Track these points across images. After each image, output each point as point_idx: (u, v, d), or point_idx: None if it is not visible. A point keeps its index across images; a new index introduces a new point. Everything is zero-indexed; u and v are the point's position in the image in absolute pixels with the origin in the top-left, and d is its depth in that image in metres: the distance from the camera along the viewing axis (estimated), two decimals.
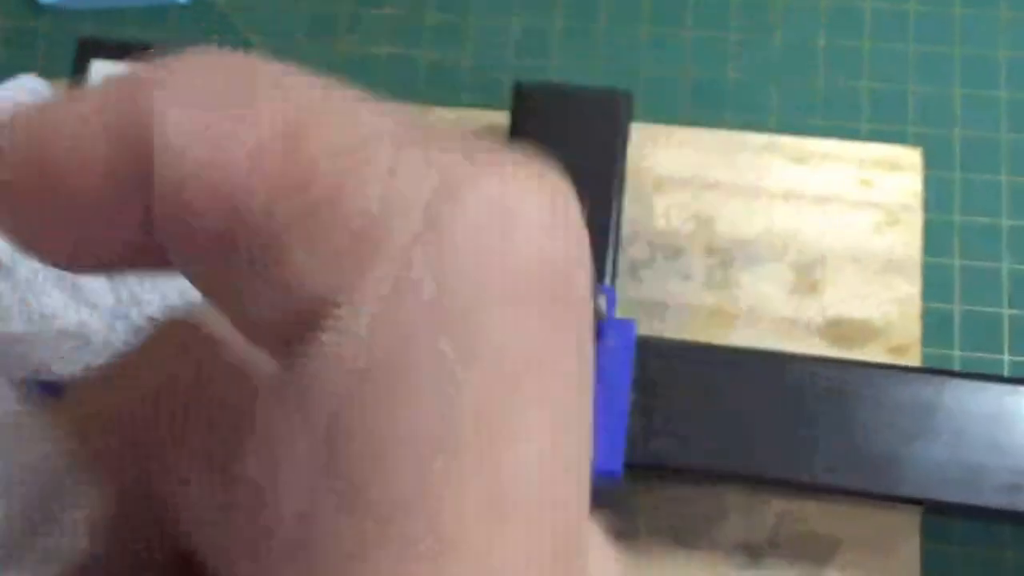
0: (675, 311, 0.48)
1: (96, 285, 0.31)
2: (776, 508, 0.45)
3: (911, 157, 0.50)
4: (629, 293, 0.48)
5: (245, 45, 0.54)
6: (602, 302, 0.32)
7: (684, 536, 0.45)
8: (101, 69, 0.48)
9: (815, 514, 0.45)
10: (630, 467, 0.40)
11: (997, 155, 0.50)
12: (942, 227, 0.49)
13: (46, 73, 0.53)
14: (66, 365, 0.32)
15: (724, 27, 0.53)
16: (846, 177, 0.49)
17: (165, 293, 0.31)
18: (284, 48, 0.54)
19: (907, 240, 0.49)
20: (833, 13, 0.53)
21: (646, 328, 0.47)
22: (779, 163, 0.50)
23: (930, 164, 0.50)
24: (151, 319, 0.31)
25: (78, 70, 0.49)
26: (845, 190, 0.49)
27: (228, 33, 0.54)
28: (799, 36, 0.53)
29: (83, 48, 0.49)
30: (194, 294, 0.32)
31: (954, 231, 0.49)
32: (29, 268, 0.31)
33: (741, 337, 0.47)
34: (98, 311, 0.31)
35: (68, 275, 0.31)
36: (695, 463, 0.41)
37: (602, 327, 0.38)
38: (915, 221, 0.49)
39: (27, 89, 0.34)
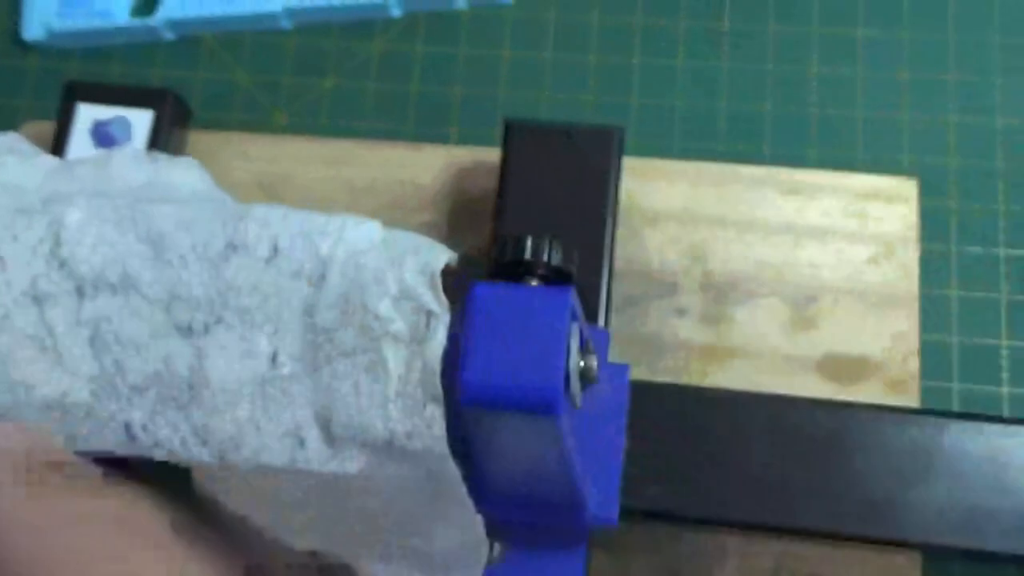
0: (671, 348, 0.47)
1: (78, 352, 0.31)
2: (776, 549, 0.45)
3: (906, 188, 0.49)
4: (623, 330, 0.48)
5: (232, 83, 0.54)
6: (593, 361, 0.32)
7: None
8: (88, 112, 0.48)
9: (815, 556, 0.44)
10: (625, 513, 0.39)
11: (993, 183, 0.50)
12: (938, 258, 0.49)
13: (33, 113, 0.53)
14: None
15: (716, 58, 0.53)
16: (841, 209, 0.49)
17: (148, 359, 0.31)
18: (271, 85, 0.53)
19: (903, 272, 0.48)
20: (825, 42, 0.52)
21: (640, 366, 0.47)
22: (773, 195, 0.49)
23: (926, 194, 0.49)
24: (133, 388, 0.31)
25: (64, 113, 0.48)
26: (840, 222, 0.49)
27: (215, 70, 0.54)
28: (791, 66, 0.52)
29: (69, 91, 0.49)
30: (177, 362, 0.31)
31: (951, 262, 0.49)
32: (9, 337, 0.30)
33: (736, 374, 0.47)
34: (80, 379, 0.31)
35: (48, 342, 0.31)
36: (691, 509, 0.40)
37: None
38: (911, 253, 0.48)
39: (5, 149, 0.34)
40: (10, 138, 0.35)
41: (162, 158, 0.35)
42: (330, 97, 0.53)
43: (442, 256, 0.30)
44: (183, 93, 0.51)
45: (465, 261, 0.49)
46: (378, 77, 0.53)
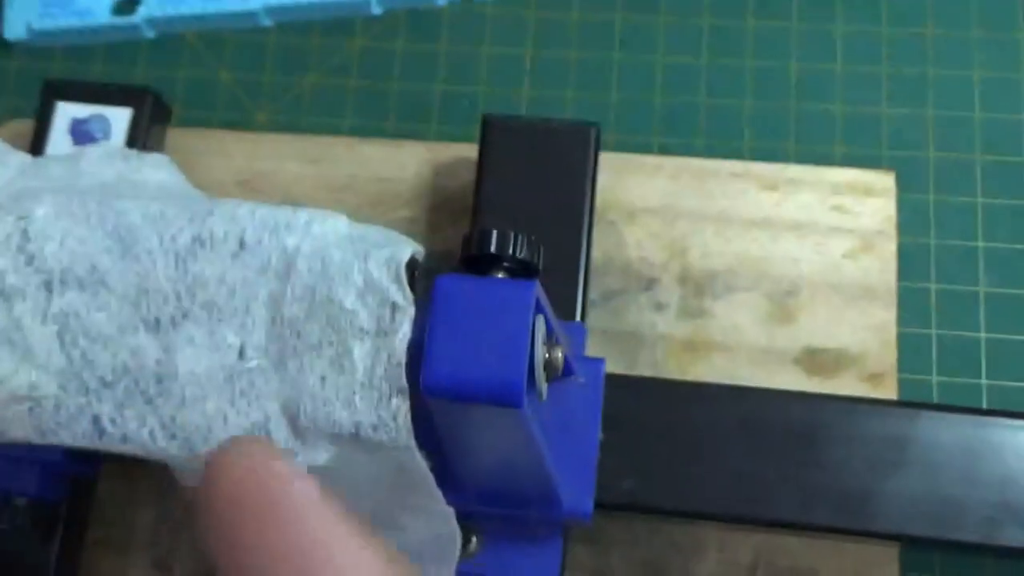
0: (649, 342, 0.48)
1: (46, 346, 0.31)
2: (754, 541, 0.45)
3: (884, 181, 0.49)
4: (602, 325, 0.48)
5: (213, 81, 0.54)
6: (559, 353, 0.32)
7: (661, 570, 0.45)
8: (66, 111, 0.48)
9: (794, 549, 0.44)
10: (600, 507, 0.40)
11: (972, 177, 0.50)
12: (917, 251, 0.49)
13: (13, 111, 0.53)
14: (18, 429, 0.32)
15: (695, 54, 0.53)
16: (819, 203, 0.49)
17: (116, 353, 0.31)
18: (252, 82, 0.54)
19: (882, 265, 0.48)
20: (804, 37, 0.53)
21: (619, 360, 0.47)
22: (752, 190, 0.49)
23: (904, 187, 0.49)
24: (102, 382, 0.31)
25: (43, 111, 0.49)
26: (818, 216, 0.49)
27: (197, 69, 0.54)
28: (770, 61, 0.52)
29: (48, 89, 0.49)
30: (145, 356, 0.31)
31: (929, 255, 0.49)
32: None
33: (716, 367, 0.47)
34: (48, 373, 0.31)
35: (16, 336, 0.31)
36: (667, 502, 0.40)
37: (570, 366, 0.38)
38: (890, 246, 0.48)
39: None
40: None
41: (133, 155, 0.36)
42: (311, 95, 0.53)
43: (407, 249, 0.31)
44: (164, 91, 0.51)
45: (445, 257, 0.49)
46: (359, 74, 0.53)
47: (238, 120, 0.53)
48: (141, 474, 0.46)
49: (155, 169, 0.36)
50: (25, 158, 0.35)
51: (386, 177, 0.50)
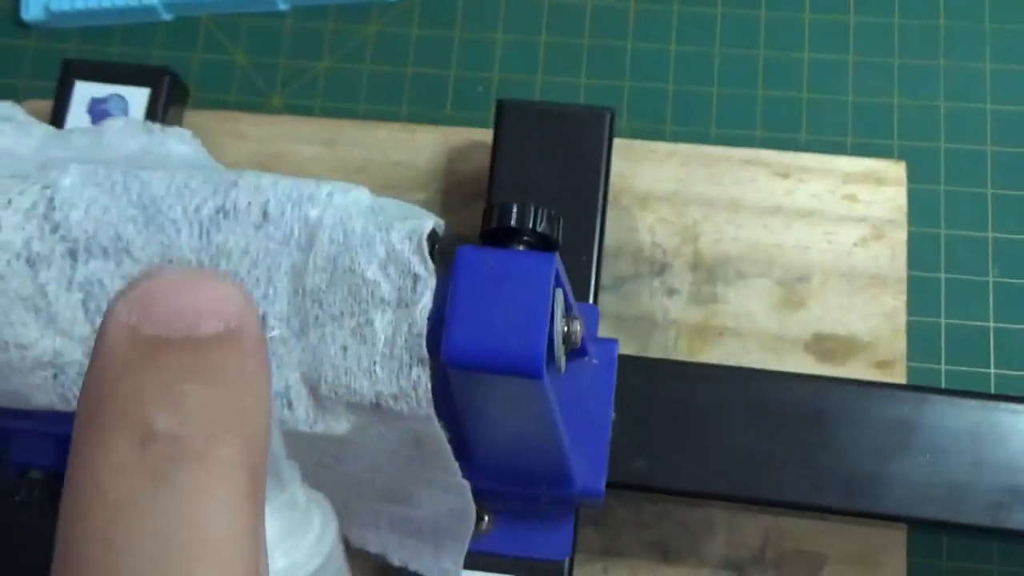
0: (660, 327, 0.48)
1: (71, 314, 0.31)
2: (763, 524, 0.45)
3: (895, 171, 0.49)
4: (613, 309, 0.48)
5: (229, 63, 0.54)
6: (577, 326, 0.32)
7: (670, 552, 0.45)
8: (85, 90, 0.49)
9: (802, 530, 0.45)
10: (612, 486, 0.40)
11: (982, 167, 0.50)
12: (927, 240, 0.49)
13: (31, 92, 0.54)
14: (43, 396, 0.32)
15: (708, 42, 0.53)
16: (830, 191, 0.49)
17: None
18: (267, 66, 0.54)
19: (892, 254, 0.48)
20: (817, 27, 0.53)
21: (631, 344, 0.47)
22: (763, 178, 0.50)
23: (915, 177, 0.50)
24: None
25: (61, 90, 0.49)
26: (829, 204, 0.49)
27: (212, 51, 0.54)
28: (783, 50, 0.53)
29: (67, 69, 0.49)
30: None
31: (939, 244, 0.49)
32: (2, 298, 0.31)
33: (727, 353, 0.47)
34: (73, 340, 0.31)
35: (41, 303, 0.31)
36: (677, 483, 0.41)
37: (584, 346, 0.38)
38: (900, 235, 0.49)
39: (2, 117, 0.34)
40: (6, 107, 0.35)
41: (156, 128, 0.36)
42: (326, 78, 0.54)
43: (428, 222, 0.31)
44: (180, 74, 0.51)
45: (459, 240, 0.49)
46: (374, 59, 0.54)
47: (253, 103, 0.53)
48: None
49: (178, 142, 0.36)
50: (48, 129, 0.36)
51: (400, 161, 0.51)
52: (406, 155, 0.51)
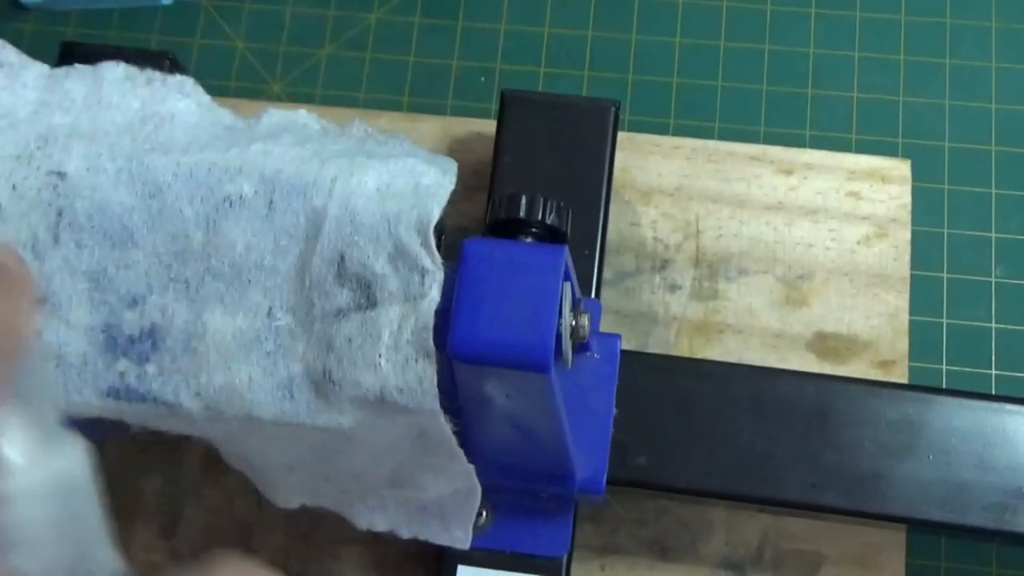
0: (662, 323, 0.48)
1: (75, 303, 0.31)
2: (761, 523, 0.45)
3: (900, 169, 0.49)
4: (615, 304, 0.48)
5: (229, 50, 0.53)
6: (584, 320, 0.32)
7: (668, 550, 0.45)
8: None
9: (800, 530, 0.45)
10: (613, 483, 0.40)
11: (986, 167, 0.50)
12: (930, 239, 0.49)
13: None
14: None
15: (714, 37, 0.53)
16: (834, 189, 0.49)
17: (144, 310, 0.31)
18: (268, 52, 0.53)
19: (895, 253, 0.48)
20: (823, 23, 0.53)
21: (631, 340, 0.47)
22: (767, 174, 0.49)
23: (919, 176, 0.49)
24: (130, 340, 0.31)
25: None
26: (833, 202, 0.49)
27: (212, 37, 0.54)
28: (788, 46, 0.52)
29: (66, 52, 0.48)
30: (172, 312, 0.31)
31: (943, 244, 0.49)
32: None
33: (728, 349, 0.47)
34: (77, 330, 0.31)
35: (46, 292, 0.31)
36: (678, 480, 0.40)
37: (587, 341, 0.38)
38: (904, 234, 0.48)
39: None
40: None
41: (157, 79, 0.35)
42: (327, 66, 0.53)
43: (435, 209, 0.30)
44: (179, 59, 0.50)
45: (461, 232, 0.49)
46: (375, 48, 0.53)
47: (253, 90, 0.53)
48: (150, 439, 0.46)
49: (180, 95, 0.35)
50: (43, 70, 0.35)
51: None
52: None
